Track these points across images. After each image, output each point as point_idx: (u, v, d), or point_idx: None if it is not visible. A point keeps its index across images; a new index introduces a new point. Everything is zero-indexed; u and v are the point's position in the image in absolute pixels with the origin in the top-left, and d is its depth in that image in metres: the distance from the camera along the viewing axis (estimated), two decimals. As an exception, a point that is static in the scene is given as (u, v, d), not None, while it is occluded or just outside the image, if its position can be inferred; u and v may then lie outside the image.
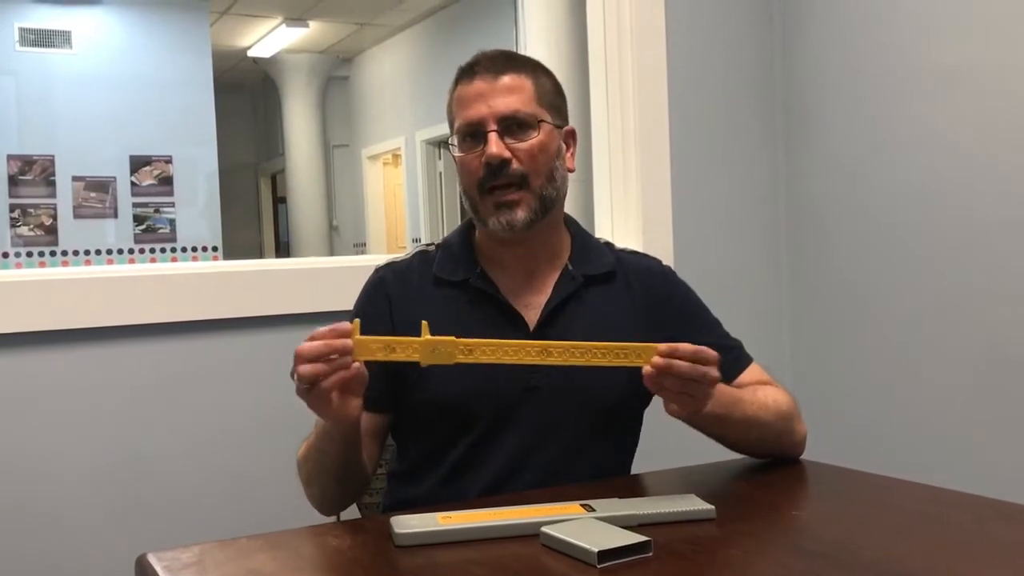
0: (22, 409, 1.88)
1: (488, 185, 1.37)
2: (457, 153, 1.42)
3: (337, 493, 1.40)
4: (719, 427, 1.39)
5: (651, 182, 2.43)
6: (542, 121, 1.39)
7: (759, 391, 1.43)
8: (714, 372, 1.22)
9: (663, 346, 1.21)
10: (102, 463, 1.93)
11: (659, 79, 2.44)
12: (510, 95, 1.38)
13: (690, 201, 2.47)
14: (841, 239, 2.44)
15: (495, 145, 1.36)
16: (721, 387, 1.30)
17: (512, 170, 1.36)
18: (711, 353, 1.22)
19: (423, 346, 1.18)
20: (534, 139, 1.38)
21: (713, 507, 1.15)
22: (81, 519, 1.90)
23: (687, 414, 1.26)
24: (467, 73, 1.41)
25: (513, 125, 1.37)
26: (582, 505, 1.15)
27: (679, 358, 1.20)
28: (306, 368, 1.15)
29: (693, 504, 1.16)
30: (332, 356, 1.16)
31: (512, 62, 1.42)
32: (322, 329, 1.17)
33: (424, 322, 1.19)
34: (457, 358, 1.19)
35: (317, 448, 1.34)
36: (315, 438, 1.34)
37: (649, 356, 1.20)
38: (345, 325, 1.18)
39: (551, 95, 1.44)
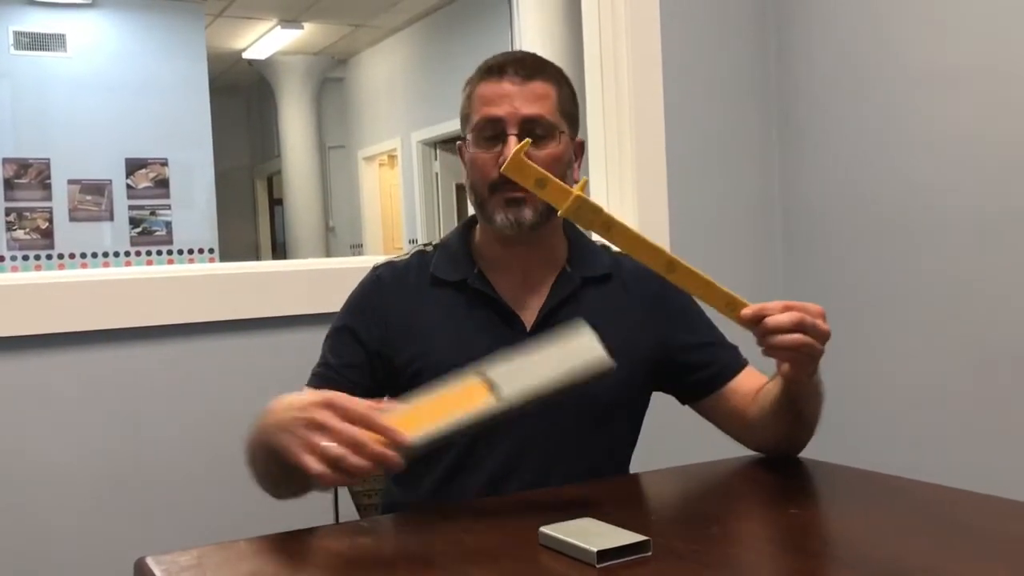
0: (19, 412, 1.87)
1: (500, 187, 1.36)
2: (472, 149, 1.40)
3: (272, 488, 1.32)
4: (811, 401, 1.35)
5: (647, 185, 2.43)
6: (561, 132, 1.39)
7: None
8: (823, 324, 1.20)
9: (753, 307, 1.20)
10: (99, 466, 1.92)
11: (654, 81, 2.44)
12: (536, 101, 1.37)
13: (686, 203, 2.47)
14: (837, 239, 2.44)
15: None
16: None
17: None
18: (812, 306, 1.20)
19: (574, 201, 1.20)
20: (551, 149, 1.37)
21: (609, 359, 1.13)
22: (79, 523, 1.90)
23: (807, 374, 1.23)
24: (495, 72, 1.39)
25: (534, 131, 1.36)
26: (482, 381, 1.11)
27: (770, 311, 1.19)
28: (355, 463, 1.03)
29: (586, 353, 1.14)
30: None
31: (541, 68, 1.41)
32: (380, 421, 1.05)
33: (584, 178, 1.25)
34: (595, 228, 1.22)
35: (263, 458, 1.22)
36: (260, 443, 1.21)
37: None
38: (402, 437, 1.05)
39: (570, 105, 1.44)
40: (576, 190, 1.20)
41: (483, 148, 1.38)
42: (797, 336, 1.18)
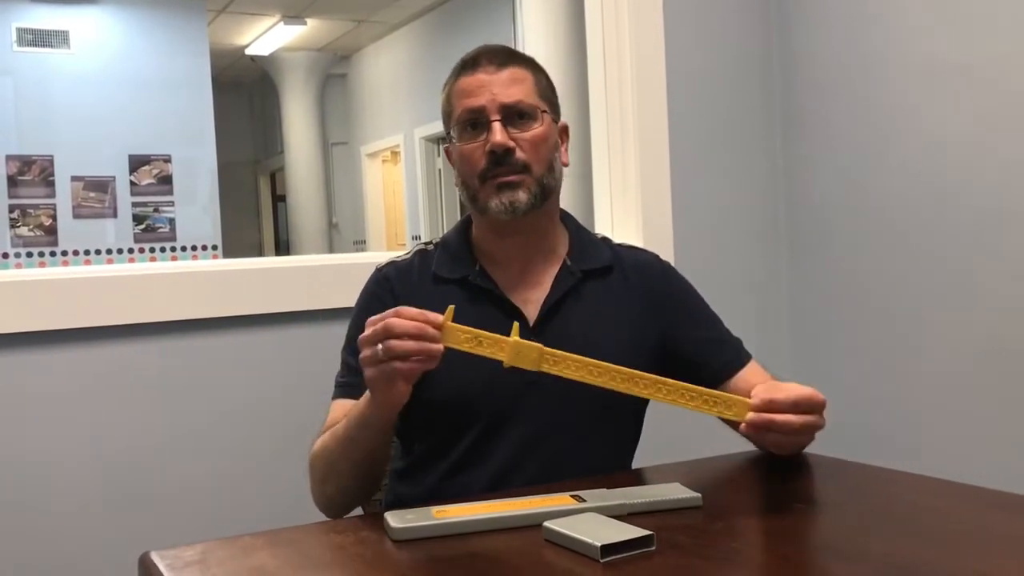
0: (23, 409, 1.88)
1: (491, 174, 1.38)
2: (457, 143, 1.41)
3: (353, 490, 1.38)
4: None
5: (650, 178, 2.43)
6: (543, 112, 1.41)
7: None
8: (820, 421, 1.21)
9: (757, 399, 1.18)
10: (103, 462, 1.93)
11: (658, 75, 2.43)
12: (513, 86, 1.39)
13: (690, 197, 2.47)
14: (840, 234, 2.43)
15: (499, 134, 1.36)
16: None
17: (515, 159, 1.37)
18: (817, 398, 1.21)
19: (511, 347, 1.17)
20: (536, 129, 1.39)
21: (699, 495, 1.16)
22: (83, 519, 1.90)
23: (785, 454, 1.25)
24: (469, 65, 1.42)
25: (515, 115, 1.38)
26: (572, 496, 1.16)
27: (777, 410, 1.18)
28: (397, 344, 1.14)
29: (680, 492, 1.18)
30: (421, 339, 1.15)
31: (513, 56, 1.44)
32: (412, 310, 1.17)
33: (516, 323, 1.19)
34: (542, 367, 1.17)
35: (347, 438, 1.31)
36: (346, 428, 1.31)
37: (742, 410, 1.18)
38: (435, 315, 1.16)
39: (548, 91, 1.46)
40: (513, 336, 1.16)
41: (468, 139, 1.40)
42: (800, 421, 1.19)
